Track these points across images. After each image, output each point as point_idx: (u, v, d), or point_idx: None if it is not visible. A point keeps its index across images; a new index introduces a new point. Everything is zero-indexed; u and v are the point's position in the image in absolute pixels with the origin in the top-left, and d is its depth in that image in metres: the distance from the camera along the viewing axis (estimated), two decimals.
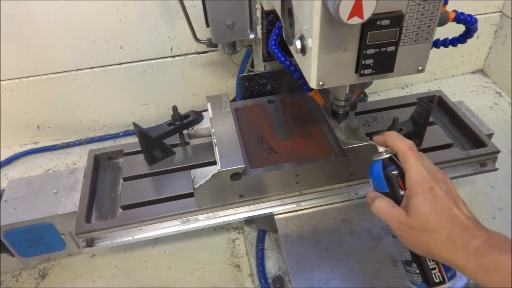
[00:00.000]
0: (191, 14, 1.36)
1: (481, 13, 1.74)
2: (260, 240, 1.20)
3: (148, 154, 1.21)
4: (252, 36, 1.28)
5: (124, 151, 1.27)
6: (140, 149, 1.23)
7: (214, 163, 1.09)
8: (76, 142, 1.71)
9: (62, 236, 1.14)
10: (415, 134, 1.19)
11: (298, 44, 0.84)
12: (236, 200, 1.09)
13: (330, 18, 0.74)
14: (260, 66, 1.36)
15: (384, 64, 0.83)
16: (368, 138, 1.08)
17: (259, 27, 1.23)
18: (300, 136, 1.19)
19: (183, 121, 1.22)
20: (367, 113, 1.35)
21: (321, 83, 0.84)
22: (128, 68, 1.60)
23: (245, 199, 1.10)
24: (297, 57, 0.92)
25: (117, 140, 1.74)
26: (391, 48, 0.80)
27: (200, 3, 1.24)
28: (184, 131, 1.26)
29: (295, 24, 0.89)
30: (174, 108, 1.21)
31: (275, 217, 1.11)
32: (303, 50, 0.84)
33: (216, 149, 1.07)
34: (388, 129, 1.15)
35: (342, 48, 0.80)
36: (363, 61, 0.81)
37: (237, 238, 1.33)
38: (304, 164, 1.08)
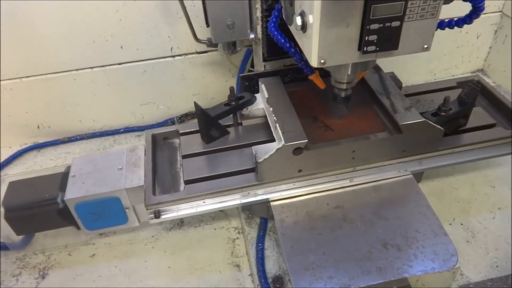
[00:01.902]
0: (191, 14, 1.36)
1: (481, 13, 1.74)
2: (260, 240, 1.20)
3: (206, 133, 1.25)
4: (252, 36, 1.28)
5: (180, 131, 1.32)
6: (194, 129, 1.29)
7: (267, 142, 1.16)
8: (78, 137, 1.73)
9: (126, 210, 1.17)
10: (463, 114, 1.22)
11: (298, 20, 0.82)
12: (296, 174, 1.14)
13: None
14: (260, 66, 1.36)
15: (388, 40, 0.80)
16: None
17: (259, 27, 1.24)
18: (352, 115, 1.23)
19: (238, 102, 1.26)
20: (409, 96, 1.38)
21: (322, 61, 0.82)
22: (128, 68, 1.60)
23: (303, 174, 1.14)
24: (298, 36, 0.89)
25: (117, 136, 1.75)
26: (395, 23, 0.78)
27: (200, 3, 1.24)
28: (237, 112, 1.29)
29: (295, 1, 0.87)
30: (231, 89, 1.24)
31: (271, 203, 1.15)
32: (303, 27, 0.82)
33: (277, 125, 1.11)
34: (439, 108, 1.18)
35: (345, 24, 0.77)
36: (366, 37, 0.78)
37: (237, 238, 1.33)
38: (361, 140, 1.13)
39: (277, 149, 1.06)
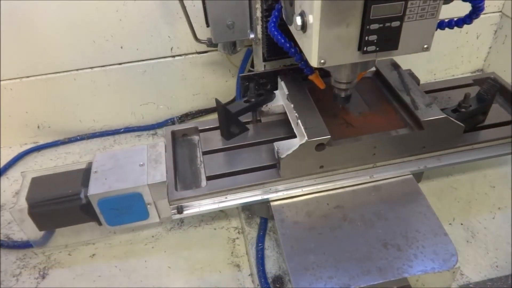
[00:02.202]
0: (191, 14, 1.36)
1: (481, 13, 1.75)
2: (260, 240, 1.20)
3: (226, 129, 1.25)
4: (252, 36, 1.28)
5: (199, 128, 1.33)
6: (214, 126, 1.31)
7: (286, 138, 1.15)
8: (78, 137, 1.73)
9: (148, 206, 1.17)
10: (482, 110, 1.22)
11: (298, 20, 0.82)
12: (317, 170, 1.14)
13: None
14: (260, 66, 1.36)
15: (388, 40, 0.81)
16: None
17: (259, 27, 1.24)
18: (373, 111, 1.24)
19: (258, 99, 1.26)
20: (427, 93, 1.37)
21: (322, 61, 0.83)
22: (128, 68, 1.60)
23: (325, 170, 1.15)
24: (298, 36, 0.89)
25: (117, 136, 1.75)
26: (395, 23, 0.78)
27: (200, 3, 1.24)
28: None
29: (295, 1, 0.87)
30: (252, 87, 1.25)
31: (271, 203, 1.15)
32: (303, 27, 0.82)
33: (299, 121, 1.11)
34: (459, 105, 1.19)
35: (345, 24, 0.78)
36: (366, 37, 0.79)
37: (237, 238, 1.33)
38: (382, 136, 1.14)
39: (300, 145, 1.07)
